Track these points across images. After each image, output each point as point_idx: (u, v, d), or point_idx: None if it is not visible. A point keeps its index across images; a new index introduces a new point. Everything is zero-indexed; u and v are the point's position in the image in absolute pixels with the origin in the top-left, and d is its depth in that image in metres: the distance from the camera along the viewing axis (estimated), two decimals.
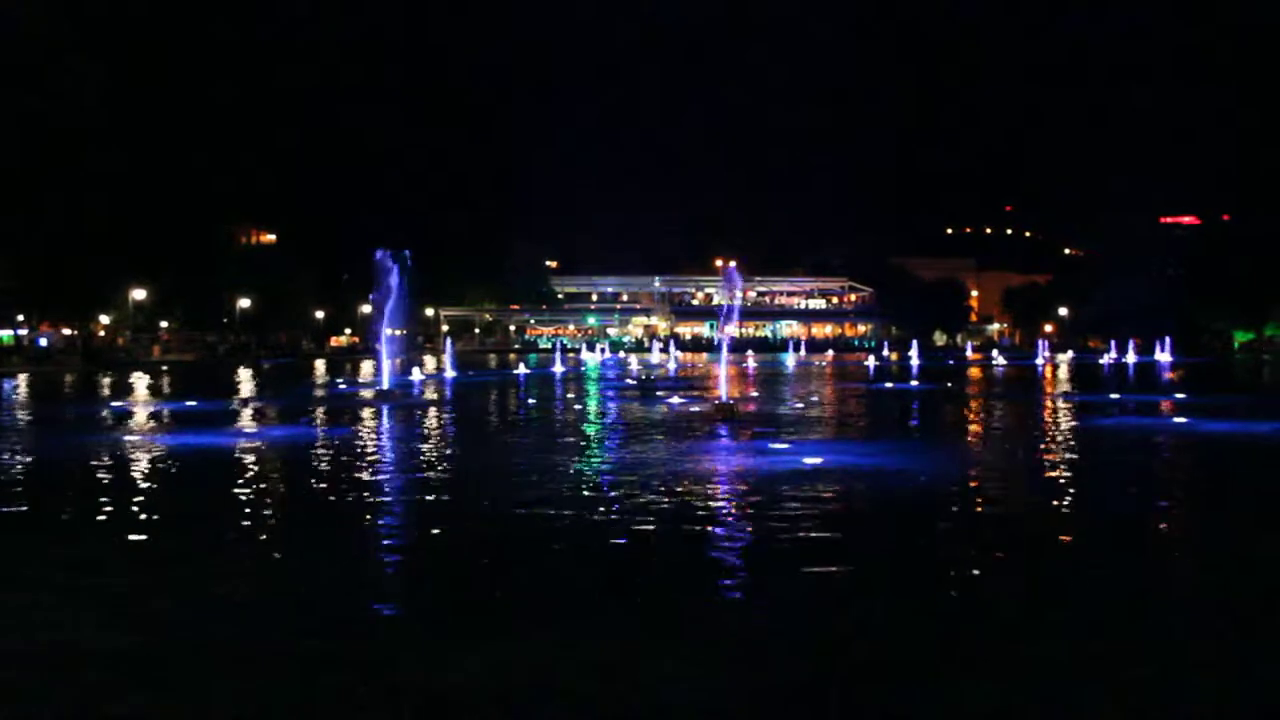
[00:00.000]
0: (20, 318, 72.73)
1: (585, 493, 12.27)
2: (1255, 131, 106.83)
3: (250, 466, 15.16)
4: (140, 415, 24.90)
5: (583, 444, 18.06)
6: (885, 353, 43.34)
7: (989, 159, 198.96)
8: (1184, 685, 5.78)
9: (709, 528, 10.04)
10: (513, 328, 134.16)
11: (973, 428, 22.37)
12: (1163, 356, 65.78)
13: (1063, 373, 50.52)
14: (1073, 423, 22.52)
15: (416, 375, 43.71)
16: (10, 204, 60.05)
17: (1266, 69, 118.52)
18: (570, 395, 34.26)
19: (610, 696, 5.57)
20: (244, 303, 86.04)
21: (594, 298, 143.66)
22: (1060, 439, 19.27)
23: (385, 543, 9.78)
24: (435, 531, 10.27)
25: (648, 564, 8.72)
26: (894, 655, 6.19)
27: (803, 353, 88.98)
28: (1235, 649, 6.36)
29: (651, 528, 10.07)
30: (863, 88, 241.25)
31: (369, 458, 16.02)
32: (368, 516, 11.01)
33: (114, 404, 28.84)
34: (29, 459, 16.11)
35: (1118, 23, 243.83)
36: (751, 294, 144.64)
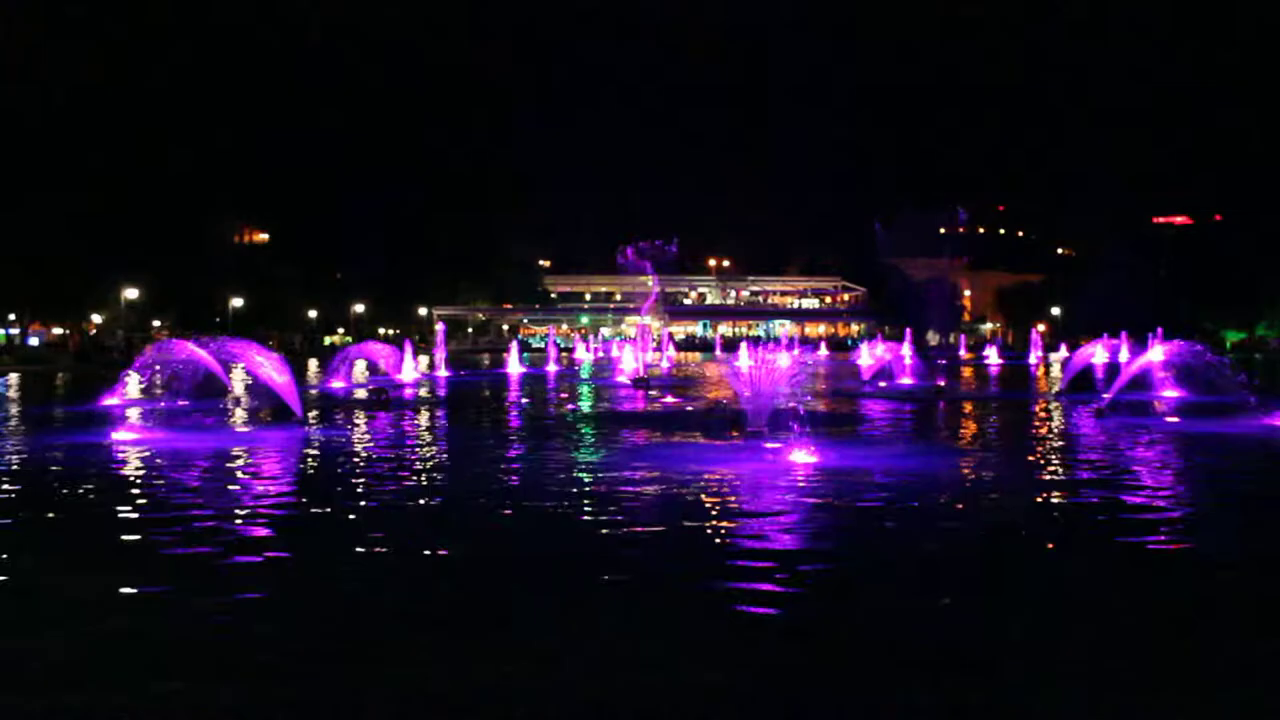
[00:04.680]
0: (12, 316, 72.51)
1: (579, 498, 12.24)
2: (1248, 131, 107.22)
3: (253, 467, 15.09)
4: (134, 415, 24.77)
5: (574, 445, 18.04)
6: (879, 352, 43.10)
7: (982, 159, 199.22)
8: None
9: (703, 530, 10.02)
10: (506, 327, 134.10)
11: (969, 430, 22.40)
12: (1156, 356, 65.82)
13: (1055, 371, 50.66)
14: (1062, 423, 22.56)
15: (409, 374, 43.61)
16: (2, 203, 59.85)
17: (1261, 69, 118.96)
18: (563, 395, 34.23)
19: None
20: (236, 301, 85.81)
21: (587, 297, 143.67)
22: (1052, 439, 19.33)
23: (383, 545, 9.75)
24: (424, 535, 10.24)
25: (638, 564, 8.70)
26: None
27: (796, 352, 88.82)
28: None
29: (642, 529, 10.05)
30: (858, 88, 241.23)
31: (364, 459, 15.97)
32: (364, 520, 10.98)
33: (107, 404, 28.69)
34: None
35: (1113, 22, 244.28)
36: (745, 293, 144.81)
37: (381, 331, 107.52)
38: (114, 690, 5.68)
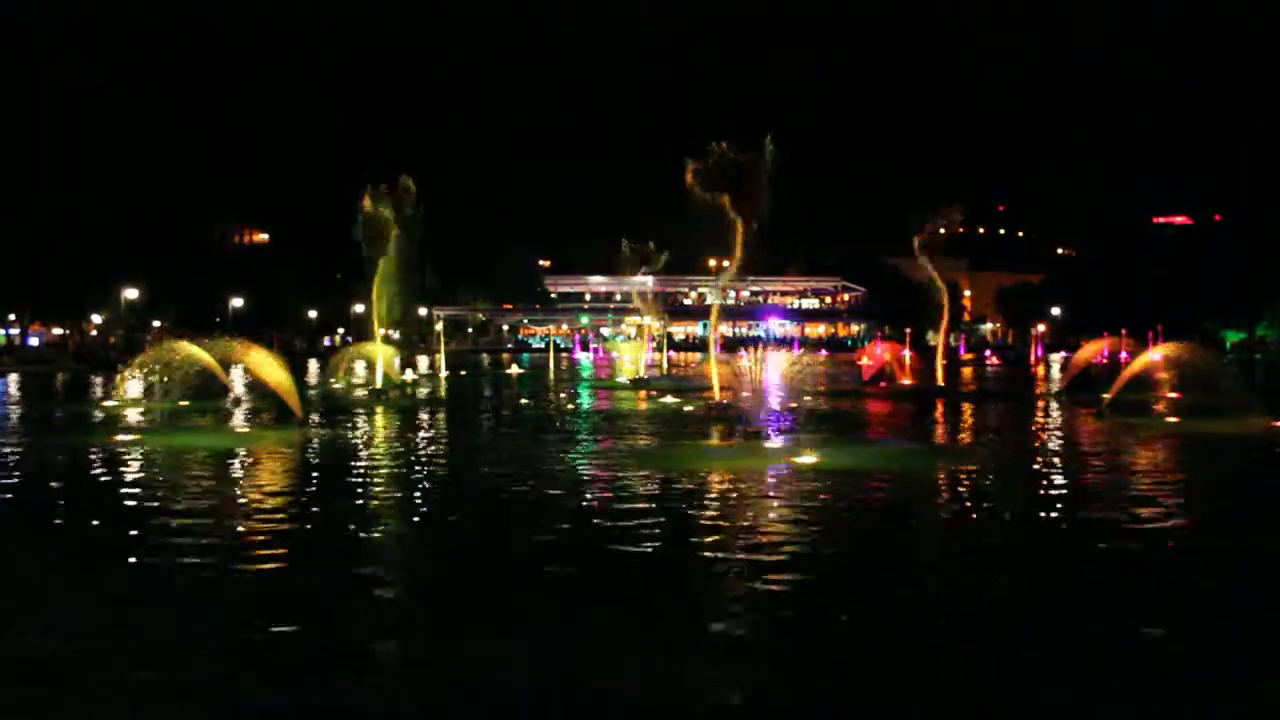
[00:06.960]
0: (12, 316, 72.52)
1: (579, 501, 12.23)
2: (1248, 131, 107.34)
3: (250, 467, 15.09)
4: (133, 416, 24.76)
5: (573, 445, 18.04)
6: (880, 351, 43.07)
7: (982, 159, 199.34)
8: None
9: (705, 527, 10.02)
10: (506, 327, 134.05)
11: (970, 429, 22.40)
12: (1155, 355, 65.80)
13: (1054, 372, 50.65)
14: (1061, 423, 22.56)
15: (410, 375, 43.61)
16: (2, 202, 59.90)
17: (1261, 69, 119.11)
18: (563, 395, 34.23)
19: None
20: (236, 302, 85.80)
21: (587, 297, 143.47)
22: (1050, 440, 19.32)
23: (384, 545, 9.76)
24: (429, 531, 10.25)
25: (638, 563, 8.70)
26: None
27: (796, 352, 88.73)
28: None
29: (641, 530, 10.05)
30: (856, 88, 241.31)
31: (363, 459, 15.96)
32: (371, 520, 10.98)
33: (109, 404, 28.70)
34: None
35: (1112, 22, 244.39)
36: (745, 293, 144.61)
37: (382, 332, 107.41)
38: None
